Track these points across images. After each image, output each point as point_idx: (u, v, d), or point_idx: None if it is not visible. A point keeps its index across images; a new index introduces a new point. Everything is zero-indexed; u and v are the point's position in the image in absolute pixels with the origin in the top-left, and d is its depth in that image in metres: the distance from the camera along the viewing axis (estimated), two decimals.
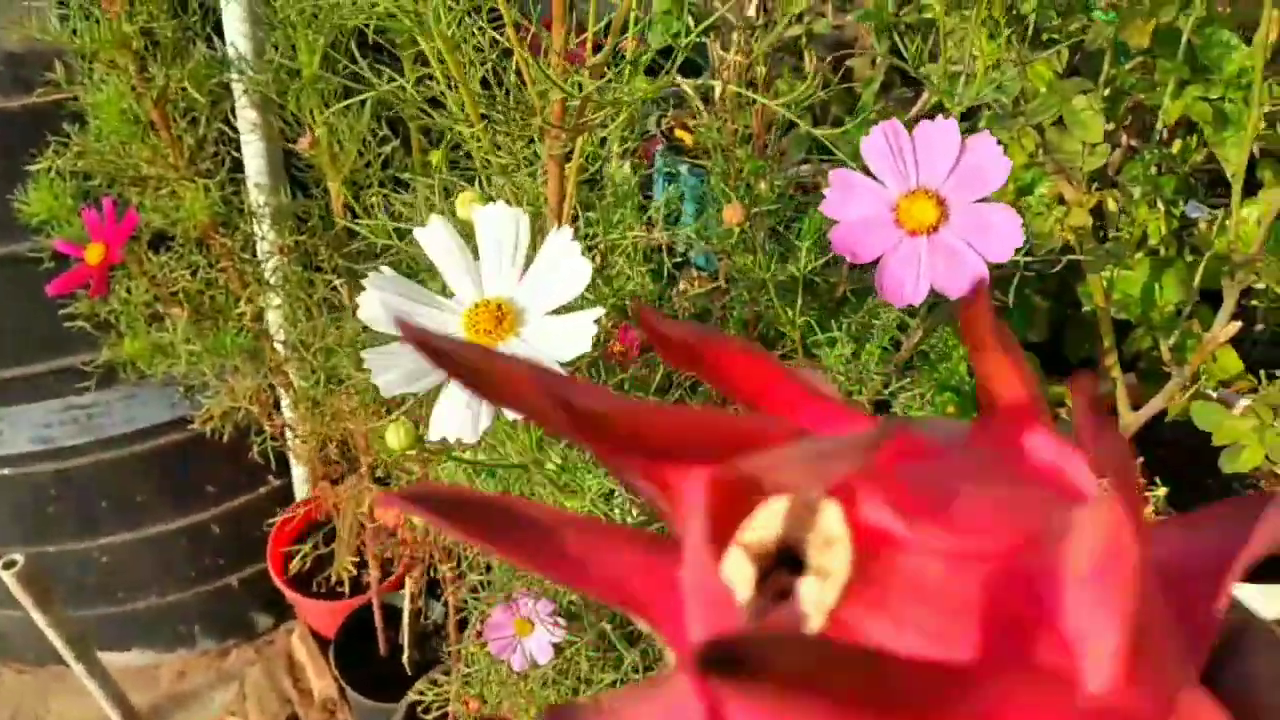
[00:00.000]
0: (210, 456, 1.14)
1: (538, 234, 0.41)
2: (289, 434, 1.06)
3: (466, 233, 0.42)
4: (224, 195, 0.86)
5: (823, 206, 0.41)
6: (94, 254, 0.76)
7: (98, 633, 1.26)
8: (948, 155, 0.41)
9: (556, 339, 0.37)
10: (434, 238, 0.38)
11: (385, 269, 0.38)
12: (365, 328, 0.86)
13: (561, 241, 0.37)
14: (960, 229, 0.41)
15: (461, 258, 0.38)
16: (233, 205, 0.90)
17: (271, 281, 0.91)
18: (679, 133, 1.26)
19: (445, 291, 0.39)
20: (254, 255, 0.93)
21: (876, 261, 0.42)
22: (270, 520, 1.14)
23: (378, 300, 0.37)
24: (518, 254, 0.38)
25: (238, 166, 0.94)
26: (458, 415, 0.36)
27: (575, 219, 0.57)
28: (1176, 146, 1.05)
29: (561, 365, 0.37)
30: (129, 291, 0.91)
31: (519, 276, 0.38)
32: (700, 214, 0.85)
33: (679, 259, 0.92)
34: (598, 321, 0.36)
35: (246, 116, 0.90)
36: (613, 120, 0.49)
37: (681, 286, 0.90)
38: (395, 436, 0.42)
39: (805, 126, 0.55)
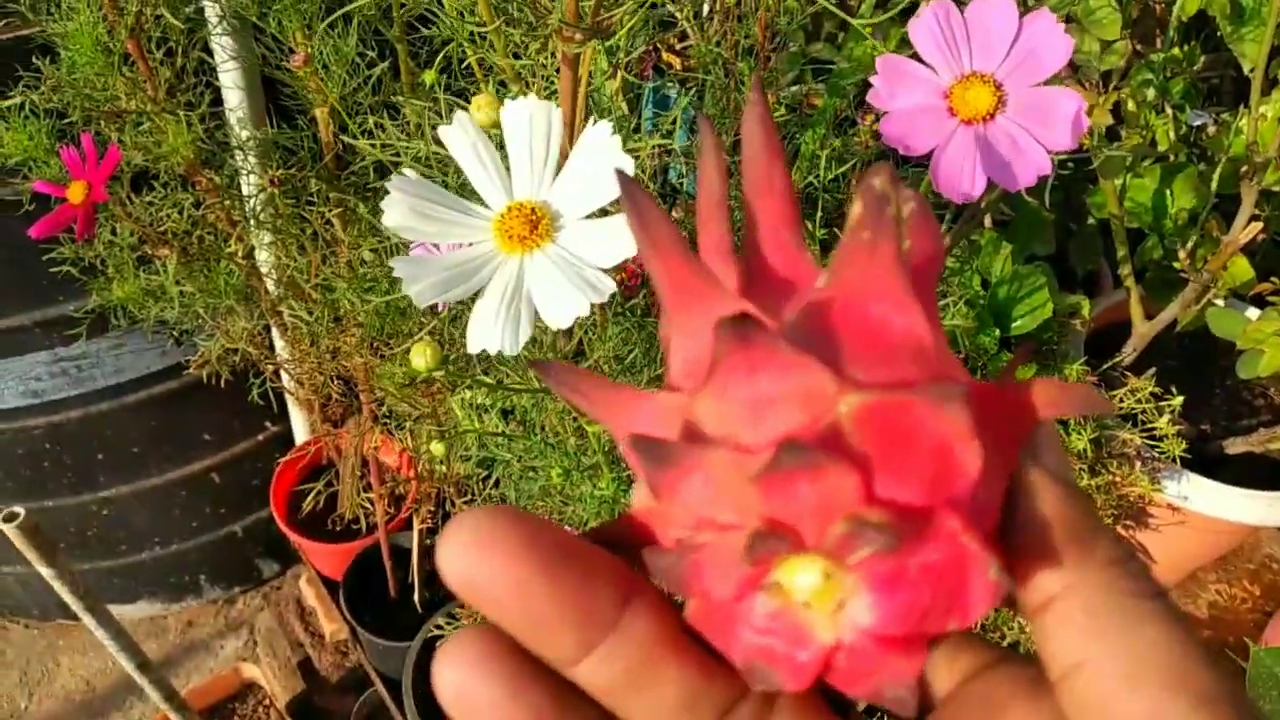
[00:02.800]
0: (205, 404, 1.12)
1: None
2: (285, 376, 1.04)
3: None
4: (207, 129, 0.83)
5: (870, 97, 0.39)
6: (76, 193, 0.73)
7: (103, 586, 1.25)
8: (1004, 36, 0.38)
9: (598, 243, 0.34)
10: (459, 136, 0.35)
11: (409, 171, 0.35)
12: (364, 260, 0.84)
13: (600, 135, 0.35)
14: (1019, 116, 0.38)
15: (490, 157, 0.35)
16: (217, 139, 0.86)
17: (262, 218, 0.88)
18: (667, 56, 1.22)
19: (472, 196, 0.36)
20: (241, 191, 0.90)
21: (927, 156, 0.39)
22: (276, 459, 1.13)
23: (404, 205, 0.34)
24: (550, 151, 0.35)
25: (220, 99, 0.90)
26: (496, 326, 0.33)
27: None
28: (1176, 51, 1.03)
29: (604, 271, 0.34)
30: (114, 233, 0.87)
31: (553, 177, 0.36)
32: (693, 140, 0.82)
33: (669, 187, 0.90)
34: None
35: (223, 43, 0.86)
36: (630, 18, 0.46)
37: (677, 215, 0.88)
38: (421, 357, 0.39)
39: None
